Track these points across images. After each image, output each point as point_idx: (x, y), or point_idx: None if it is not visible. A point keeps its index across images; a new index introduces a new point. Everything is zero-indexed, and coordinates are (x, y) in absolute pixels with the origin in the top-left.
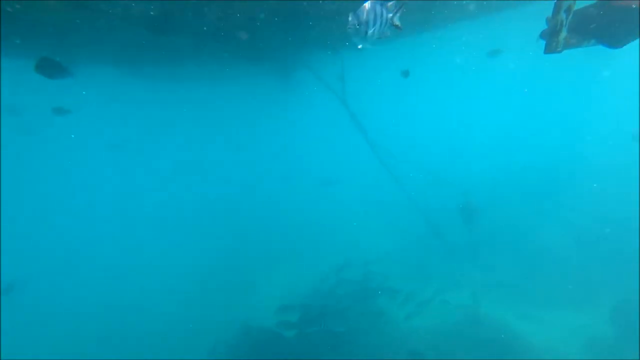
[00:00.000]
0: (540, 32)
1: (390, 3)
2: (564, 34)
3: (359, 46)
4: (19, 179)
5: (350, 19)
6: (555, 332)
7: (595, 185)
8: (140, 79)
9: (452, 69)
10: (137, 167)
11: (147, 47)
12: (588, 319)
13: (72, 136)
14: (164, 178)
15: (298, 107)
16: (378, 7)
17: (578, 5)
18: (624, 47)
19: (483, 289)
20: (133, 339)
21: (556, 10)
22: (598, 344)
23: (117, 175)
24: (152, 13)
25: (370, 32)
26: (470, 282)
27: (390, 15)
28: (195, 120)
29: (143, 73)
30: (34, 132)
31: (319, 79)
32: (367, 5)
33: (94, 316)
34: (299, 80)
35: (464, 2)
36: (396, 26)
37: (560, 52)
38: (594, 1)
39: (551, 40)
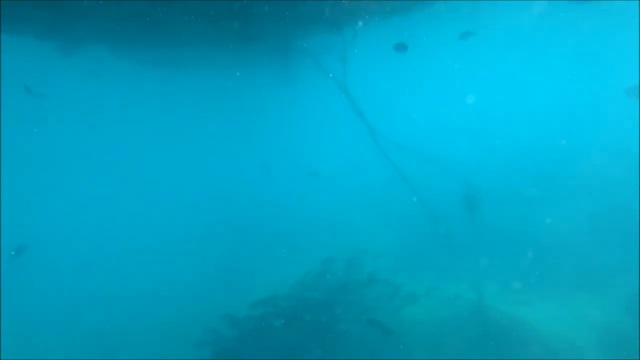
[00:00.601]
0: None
1: None
2: None
3: None
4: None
5: None
6: (568, 322)
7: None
8: (133, 62)
9: (457, 51)
10: (122, 155)
11: (140, 27)
12: (602, 307)
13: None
14: (149, 166)
15: (296, 96)
16: None
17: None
18: None
19: (487, 279)
20: (119, 333)
21: None
22: (614, 333)
23: (103, 160)
24: None
25: None
26: (472, 272)
27: None
28: (185, 106)
29: (136, 57)
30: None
31: (317, 62)
32: None
33: (77, 309)
34: (295, 64)
35: None
36: None
37: None
38: None
39: None
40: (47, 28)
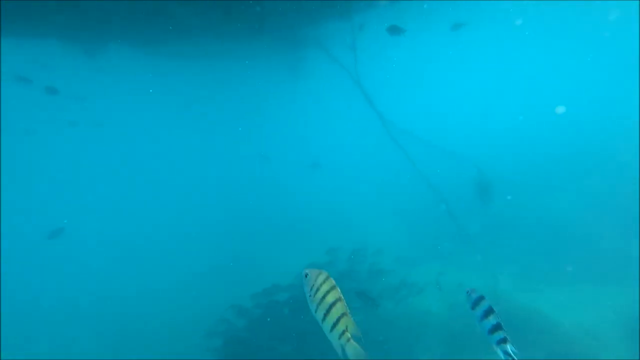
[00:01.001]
0: None
1: None
2: None
3: None
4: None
5: None
6: (586, 312)
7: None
8: (149, 57)
9: (471, 36)
10: (124, 149)
11: (154, 23)
12: (621, 297)
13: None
14: (152, 161)
15: (305, 87)
16: None
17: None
18: None
19: (500, 268)
20: (135, 328)
21: None
22: (635, 323)
23: (102, 157)
24: None
25: None
26: (485, 261)
27: None
28: (192, 99)
29: (151, 51)
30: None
31: (326, 51)
32: None
33: (86, 309)
34: (304, 54)
35: None
36: None
37: None
38: None
39: None
40: (69, 32)
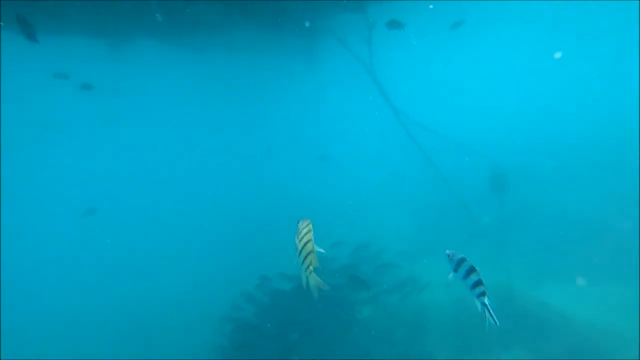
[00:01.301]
0: None
1: None
2: None
3: None
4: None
5: None
6: (603, 308)
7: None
8: (171, 49)
9: (480, 30)
10: (133, 142)
11: (174, 17)
12: (635, 292)
13: None
14: (165, 155)
15: (319, 79)
16: None
17: None
18: None
19: (513, 264)
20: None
21: None
22: None
23: (116, 150)
24: None
25: None
26: (497, 258)
27: None
28: (205, 91)
29: (171, 44)
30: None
31: (342, 43)
32: None
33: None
34: (319, 46)
35: None
36: None
37: None
38: None
39: None
40: (95, 28)
